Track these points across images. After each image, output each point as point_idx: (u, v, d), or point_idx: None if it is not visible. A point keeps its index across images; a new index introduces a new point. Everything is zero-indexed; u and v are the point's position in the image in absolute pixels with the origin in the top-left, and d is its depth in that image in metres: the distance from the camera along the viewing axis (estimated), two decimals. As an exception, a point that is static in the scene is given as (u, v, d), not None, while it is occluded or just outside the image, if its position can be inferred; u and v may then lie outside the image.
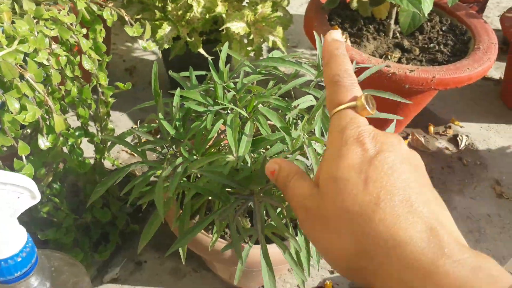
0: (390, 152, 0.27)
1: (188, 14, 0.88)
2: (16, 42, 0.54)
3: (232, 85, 0.54)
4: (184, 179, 0.54)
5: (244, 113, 0.48)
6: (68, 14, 0.63)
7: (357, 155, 0.28)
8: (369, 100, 0.30)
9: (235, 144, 0.43)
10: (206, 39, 0.99)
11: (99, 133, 0.76)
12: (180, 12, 0.91)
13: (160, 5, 0.92)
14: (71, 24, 0.63)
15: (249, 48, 0.91)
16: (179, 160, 0.47)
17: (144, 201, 0.51)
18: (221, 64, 0.55)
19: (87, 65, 0.65)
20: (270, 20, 0.94)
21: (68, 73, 0.65)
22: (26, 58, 0.57)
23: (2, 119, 0.55)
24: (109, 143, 0.77)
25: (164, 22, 0.90)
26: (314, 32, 0.61)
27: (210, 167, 0.44)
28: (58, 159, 0.62)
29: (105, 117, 0.75)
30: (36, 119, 0.58)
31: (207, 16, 0.90)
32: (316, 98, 0.54)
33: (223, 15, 0.90)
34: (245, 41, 0.95)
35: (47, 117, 0.60)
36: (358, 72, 0.52)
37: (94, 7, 0.69)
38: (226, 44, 0.58)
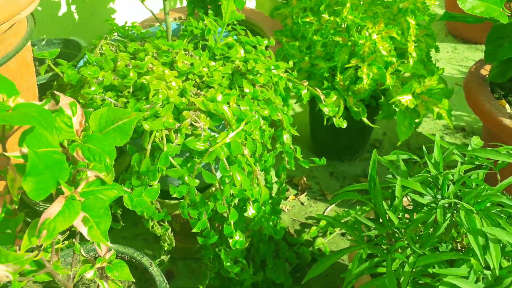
0: None
1: (357, 85, 0.92)
2: (243, 123, 0.61)
3: (450, 176, 0.55)
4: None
5: (473, 209, 0.49)
6: (275, 96, 0.70)
7: None
8: None
9: (479, 249, 0.44)
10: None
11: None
12: (346, 83, 0.95)
13: (327, 75, 0.98)
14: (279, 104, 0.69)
15: (416, 120, 0.92)
16: (408, 251, 0.48)
17: None
18: (436, 153, 0.57)
19: (286, 139, 0.70)
20: (434, 92, 0.95)
21: (268, 145, 0.71)
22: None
23: (223, 189, 0.62)
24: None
25: (332, 92, 0.94)
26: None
27: (450, 271, 0.45)
28: (258, 227, 0.67)
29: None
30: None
31: (374, 87, 0.93)
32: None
33: (390, 87, 0.93)
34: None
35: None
36: None
37: (290, 85, 0.76)
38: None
